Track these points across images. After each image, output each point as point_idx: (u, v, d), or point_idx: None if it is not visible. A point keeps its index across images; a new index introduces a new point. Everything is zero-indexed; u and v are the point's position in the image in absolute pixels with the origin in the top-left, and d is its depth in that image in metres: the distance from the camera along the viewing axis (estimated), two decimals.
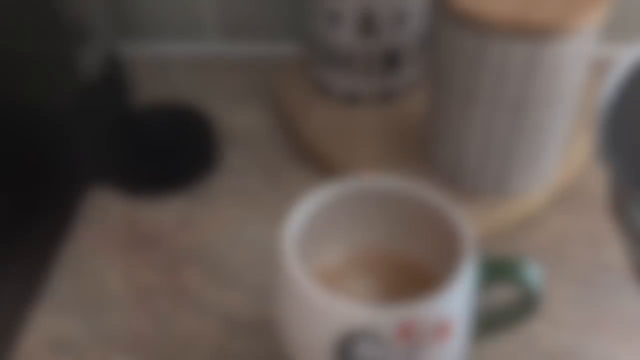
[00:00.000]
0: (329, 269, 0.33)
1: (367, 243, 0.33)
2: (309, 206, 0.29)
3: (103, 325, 0.36)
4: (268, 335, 0.35)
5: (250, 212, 0.43)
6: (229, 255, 0.40)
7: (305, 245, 0.30)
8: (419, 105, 0.49)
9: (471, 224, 0.30)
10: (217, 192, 0.45)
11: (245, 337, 0.35)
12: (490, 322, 0.30)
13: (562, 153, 0.43)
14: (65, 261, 0.40)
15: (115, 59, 0.54)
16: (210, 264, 0.40)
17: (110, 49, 0.54)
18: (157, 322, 0.36)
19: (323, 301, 0.25)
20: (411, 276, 0.32)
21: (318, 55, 0.47)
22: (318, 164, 0.46)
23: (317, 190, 0.30)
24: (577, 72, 0.36)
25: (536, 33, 0.33)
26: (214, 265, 0.40)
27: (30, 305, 0.37)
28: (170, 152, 0.44)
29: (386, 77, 0.47)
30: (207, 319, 0.37)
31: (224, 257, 0.40)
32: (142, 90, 0.55)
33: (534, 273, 0.27)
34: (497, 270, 0.27)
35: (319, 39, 0.46)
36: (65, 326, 0.36)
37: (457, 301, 0.26)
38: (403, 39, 0.45)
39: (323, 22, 0.45)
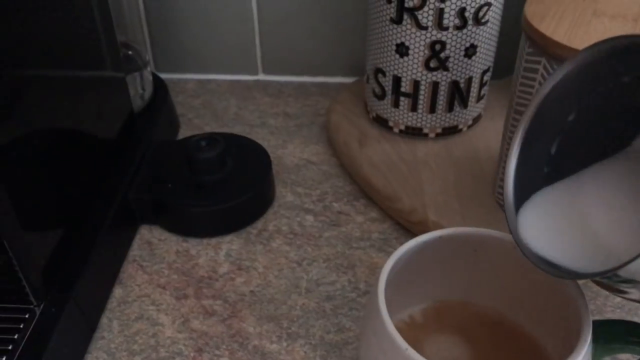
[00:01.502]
0: (415, 323, 0.30)
1: (455, 298, 0.30)
2: (401, 257, 0.27)
3: None
4: None
5: (309, 253, 0.41)
6: (289, 301, 0.37)
7: (394, 298, 0.27)
8: (483, 138, 0.46)
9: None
10: (272, 231, 0.42)
11: None
12: None
13: None
14: (114, 305, 0.37)
15: (163, 87, 0.52)
16: (271, 310, 0.37)
17: (157, 77, 0.52)
18: None
19: None
20: (505, 338, 0.29)
21: (381, 89, 0.45)
22: (378, 200, 0.43)
23: (411, 241, 0.27)
24: None
25: None
26: (275, 312, 0.37)
27: (81, 355, 0.34)
28: (225, 188, 0.42)
29: (452, 110, 0.44)
30: None
31: (285, 303, 0.37)
32: (189, 122, 0.53)
33: None
34: (619, 336, 0.24)
35: (384, 71, 0.44)
36: None
37: None
38: (471, 72, 0.43)
39: (390, 54, 0.43)
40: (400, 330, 0.29)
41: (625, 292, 0.24)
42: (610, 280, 0.23)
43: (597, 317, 0.37)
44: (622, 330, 0.25)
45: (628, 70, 0.25)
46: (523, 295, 0.29)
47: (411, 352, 0.23)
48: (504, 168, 0.39)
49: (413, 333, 0.30)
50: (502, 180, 0.39)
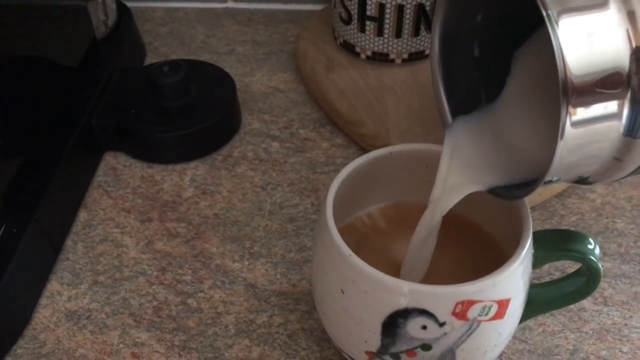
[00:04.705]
0: (377, 226, 0.30)
1: (408, 202, 0.31)
2: (352, 172, 0.27)
3: (121, 295, 0.34)
4: (295, 307, 0.34)
5: (274, 178, 0.41)
6: (252, 223, 0.38)
7: (351, 200, 0.27)
8: None
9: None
10: (238, 157, 0.42)
11: (272, 309, 0.34)
12: (548, 299, 0.28)
13: None
14: (79, 229, 0.38)
15: (127, 14, 0.51)
16: (234, 232, 0.38)
17: (121, 4, 0.51)
18: (179, 293, 0.34)
19: (380, 281, 0.23)
20: (464, 234, 0.30)
21: (347, 13, 0.44)
22: (342, 125, 0.44)
23: (361, 157, 0.28)
24: None
25: None
26: (238, 233, 0.38)
27: (45, 275, 0.35)
28: (190, 114, 0.42)
29: (418, 34, 0.44)
30: (231, 290, 0.35)
31: (248, 225, 0.38)
32: (156, 50, 0.52)
33: (597, 248, 0.25)
34: (558, 245, 0.25)
35: None
36: (82, 297, 0.34)
37: (517, 280, 0.24)
38: None
39: None
40: (361, 234, 0.30)
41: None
42: (558, 182, 0.23)
43: None
44: (562, 239, 0.26)
45: None
46: (478, 203, 0.29)
47: (354, 258, 0.24)
48: None
49: (378, 238, 0.30)
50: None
